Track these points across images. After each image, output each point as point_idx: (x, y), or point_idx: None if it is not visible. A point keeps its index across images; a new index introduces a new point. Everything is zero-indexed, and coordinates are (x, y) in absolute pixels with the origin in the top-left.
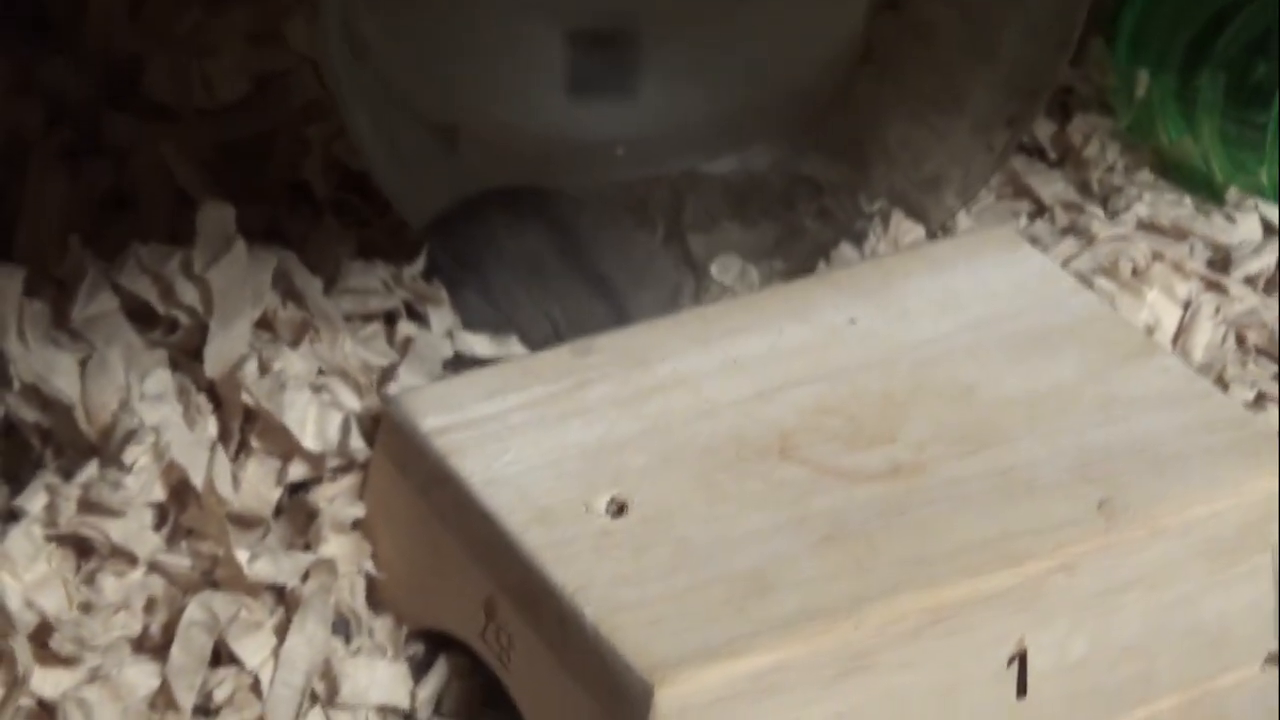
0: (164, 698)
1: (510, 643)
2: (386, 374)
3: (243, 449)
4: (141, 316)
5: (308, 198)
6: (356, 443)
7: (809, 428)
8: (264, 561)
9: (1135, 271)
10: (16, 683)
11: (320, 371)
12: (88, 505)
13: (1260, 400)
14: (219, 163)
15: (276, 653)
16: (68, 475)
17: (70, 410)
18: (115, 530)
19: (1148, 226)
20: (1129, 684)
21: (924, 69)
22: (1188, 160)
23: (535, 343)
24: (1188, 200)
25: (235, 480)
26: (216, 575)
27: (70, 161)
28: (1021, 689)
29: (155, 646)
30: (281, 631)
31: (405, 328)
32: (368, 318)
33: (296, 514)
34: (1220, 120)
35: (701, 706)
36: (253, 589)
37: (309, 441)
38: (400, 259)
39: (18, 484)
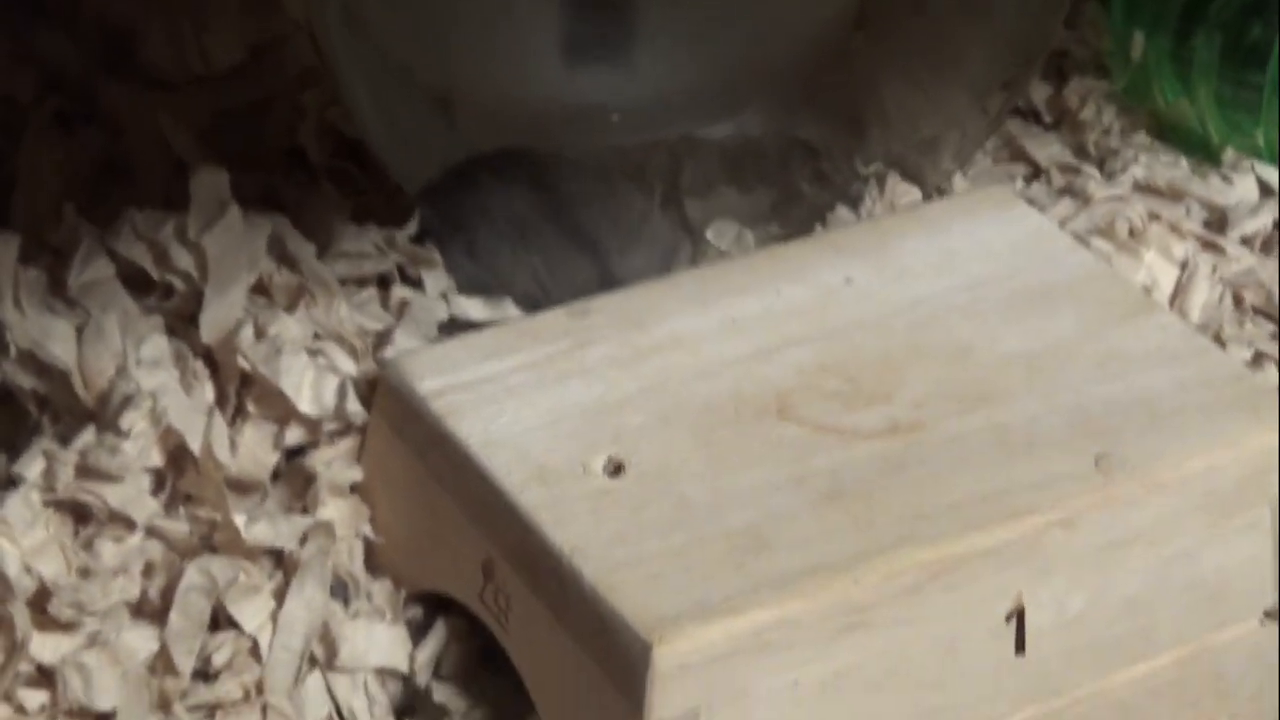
0: (163, 662)
1: (508, 604)
2: (382, 338)
3: (239, 414)
4: (137, 283)
5: (303, 165)
6: (353, 406)
7: (807, 387)
8: (262, 525)
9: (1132, 232)
10: (15, 648)
11: (316, 336)
12: (85, 471)
13: (1258, 359)
14: (215, 131)
15: (275, 616)
16: (65, 441)
17: (67, 376)
18: (113, 495)
19: (1144, 188)
20: (1127, 639)
21: (919, 32)
22: (1184, 122)
23: (524, 304)
24: (1184, 162)
25: (232, 445)
26: (214, 540)
27: (66, 130)
28: (1020, 645)
29: (154, 611)
30: (280, 595)
31: (400, 291)
32: (362, 282)
33: (294, 478)
34: (1216, 82)
35: (700, 664)
36: (251, 553)
37: (305, 406)
38: (395, 224)
39: (15, 450)
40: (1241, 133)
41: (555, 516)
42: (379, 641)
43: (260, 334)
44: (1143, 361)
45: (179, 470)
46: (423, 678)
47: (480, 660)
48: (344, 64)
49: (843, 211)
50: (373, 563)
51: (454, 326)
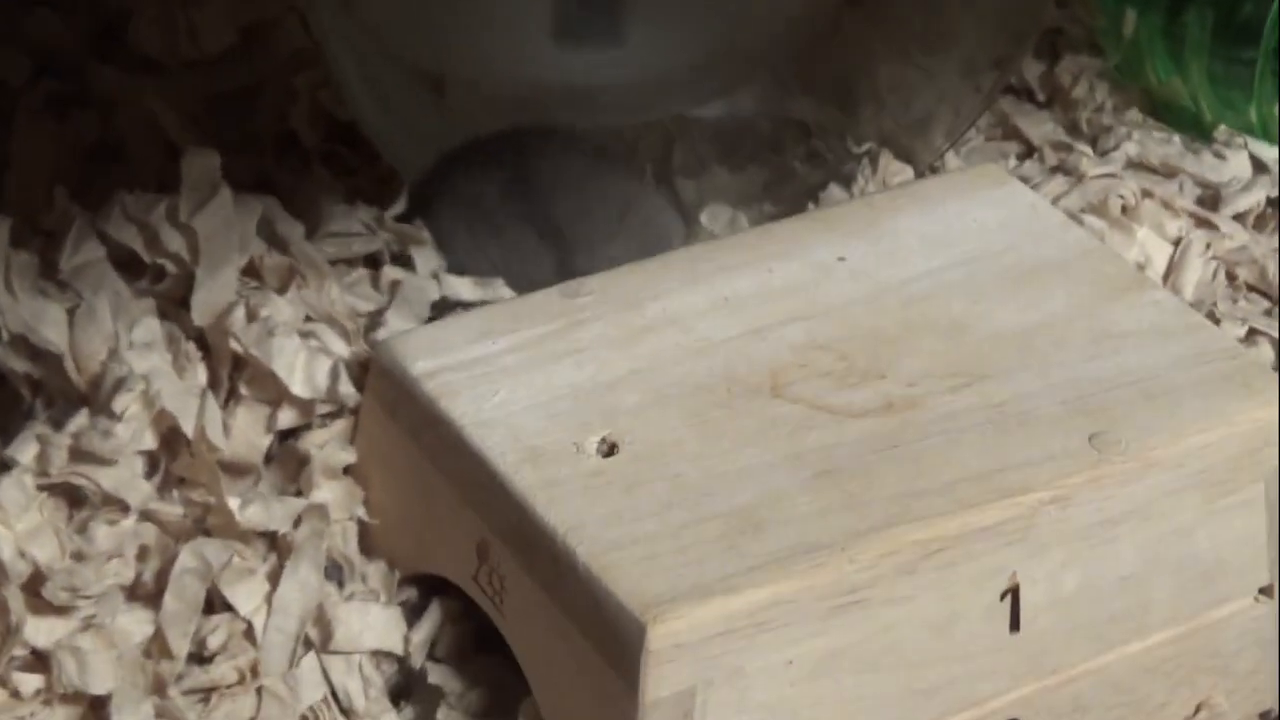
0: (158, 645)
1: (503, 585)
2: (374, 319)
3: (232, 396)
4: (129, 266)
5: (295, 148)
6: (346, 388)
7: (800, 365)
8: (256, 508)
9: (1125, 209)
10: (10, 632)
11: (308, 318)
12: (79, 454)
13: (1252, 336)
14: (206, 114)
15: (269, 599)
16: (58, 425)
17: (59, 360)
18: (106, 479)
19: (1137, 165)
20: (1123, 617)
21: (911, 10)
22: (1176, 99)
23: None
24: (1177, 139)
25: (226, 427)
26: (208, 523)
27: (57, 113)
28: (1015, 623)
29: (148, 594)
30: (274, 578)
31: (391, 271)
32: (351, 262)
33: (287, 460)
34: (1208, 59)
35: (695, 644)
36: (245, 536)
37: (298, 388)
38: (385, 205)
39: (8, 434)
40: (1234, 109)
41: (549, 497)
42: (374, 623)
43: (252, 316)
44: (1137, 338)
45: (172, 453)
46: (418, 659)
47: (475, 642)
48: (336, 46)
49: (835, 190)
50: (367, 545)
51: (446, 306)
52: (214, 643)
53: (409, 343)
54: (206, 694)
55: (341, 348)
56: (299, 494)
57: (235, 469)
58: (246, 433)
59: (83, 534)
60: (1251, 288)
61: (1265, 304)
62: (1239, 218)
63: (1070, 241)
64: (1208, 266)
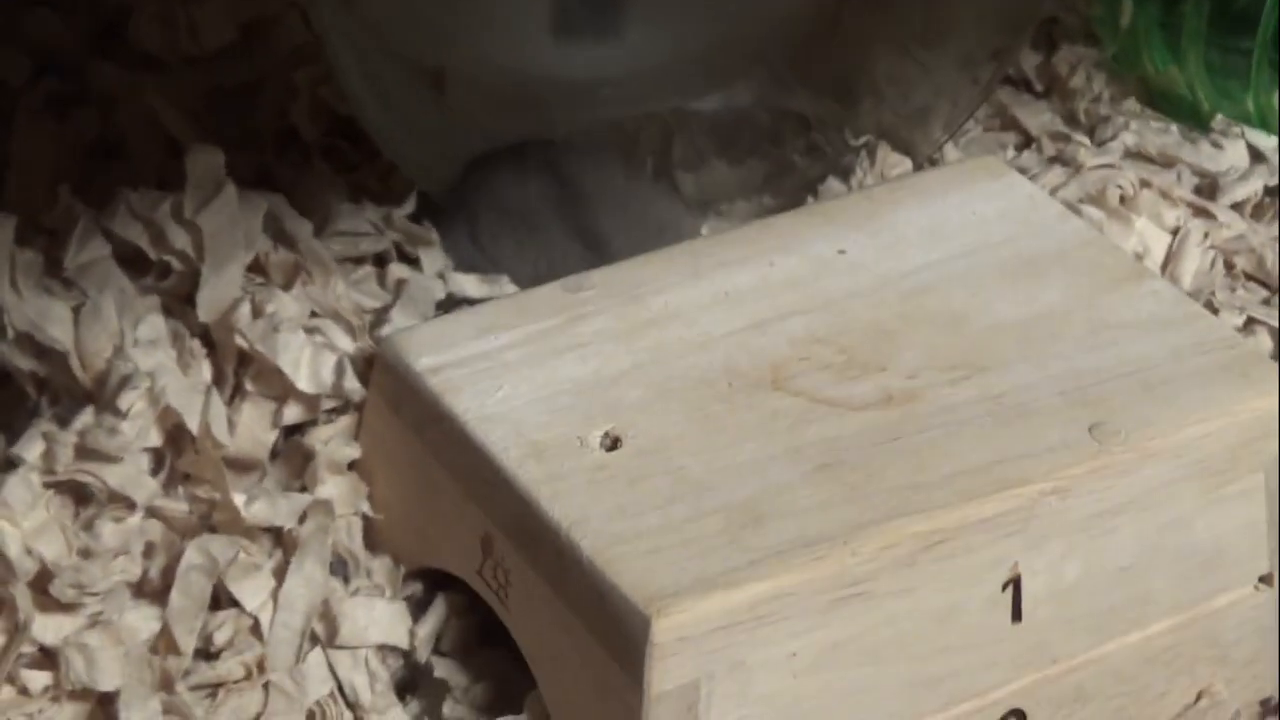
0: (165, 641)
1: (508, 579)
2: (379, 315)
3: (237, 392)
4: (133, 263)
5: (296, 144)
6: (351, 384)
7: (801, 358)
8: (261, 504)
9: (1123, 199)
10: (18, 630)
11: (313, 314)
12: (84, 452)
13: (1250, 325)
14: (207, 111)
15: (275, 594)
16: (64, 422)
17: (65, 358)
18: (112, 476)
19: (1135, 155)
20: (1123, 607)
21: (909, 2)
22: (1174, 89)
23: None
24: (1174, 128)
25: (231, 424)
26: (214, 519)
27: (58, 111)
28: (1017, 614)
29: (155, 591)
30: (280, 573)
31: (397, 269)
32: (359, 260)
33: (292, 456)
34: (1205, 48)
35: (699, 636)
36: (250, 532)
37: (303, 383)
38: (390, 202)
39: (14, 432)
40: (1231, 99)
41: (553, 491)
42: (379, 618)
43: (257, 312)
44: (1135, 328)
45: (178, 450)
46: (423, 654)
47: (480, 636)
48: (336, 42)
49: (834, 183)
50: (372, 540)
51: (451, 304)
52: (220, 638)
53: (413, 338)
54: (213, 689)
55: (346, 343)
56: (304, 490)
57: (240, 465)
58: (252, 429)
59: (89, 531)
60: (1250, 277)
61: (1263, 293)
62: (1237, 207)
63: (1069, 233)
64: (1206, 256)
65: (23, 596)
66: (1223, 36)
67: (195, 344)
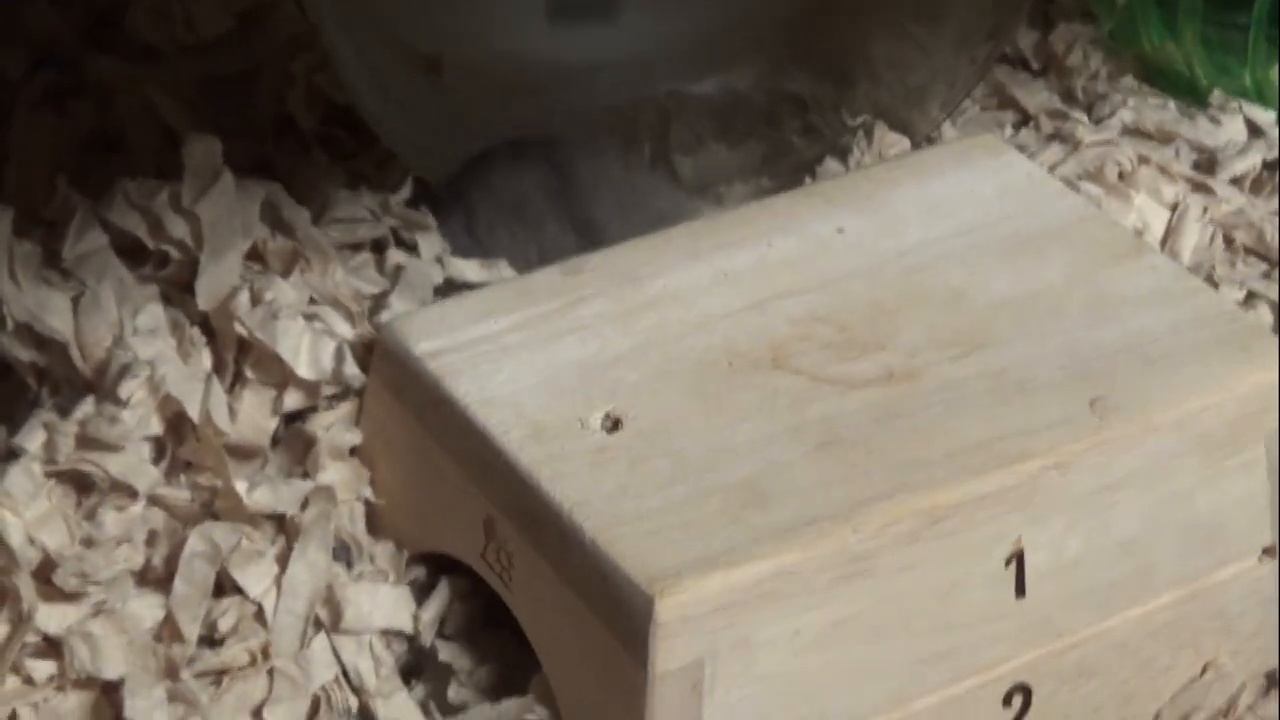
0: (169, 629)
1: (510, 561)
2: (378, 301)
3: (238, 380)
4: (132, 252)
5: (294, 132)
6: (351, 370)
7: (801, 338)
8: (263, 491)
9: (1122, 176)
10: (22, 619)
11: (312, 300)
12: (85, 441)
13: (1250, 299)
14: (204, 100)
15: (279, 581)
16: (64, 412)
17: (65, 348)
18: (114, 465)
19: (1133, 131)
20: (1126, 580)
21: None
22: (1171, 65)
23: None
24: (1172, 104)
25: (231, 411)
26: (216, 506)
27: (55, 103)
28: (1020, 589)
29: (158, 579)
30: (283, 560)
31: (395, 255)
32: (357, 246)
33: (294, 443)
34: (1202, 24)
35: (702, 616)
36: (253, 519)
37: (303, 370)
38: (387, 189)
39: (15, 423)
40: (1229, 74)
41: (554, 473)
42: (383, 603)
43: (256, 300)
44: (1135, 303)
45: (179, 438)
46: (427, 638)
47: (484, 619)
48: (332, 29)
49: (832, 164)
50: (374, 525)
51: (449, 289)
52: (224, 625)
53: (413, 323)
54: (218, 676)
55: (346, 330)
56: (306, 476)
57: (242, 452)
58: (252, 416)
59: (91, 520)
60: (1249, 251)
61: (1263, 267)
62: (1236, 181)
63: (1067, 209)
64: (1205, 231)
65: (26, 586)
66: (1219, 12)
67: (195, 332)
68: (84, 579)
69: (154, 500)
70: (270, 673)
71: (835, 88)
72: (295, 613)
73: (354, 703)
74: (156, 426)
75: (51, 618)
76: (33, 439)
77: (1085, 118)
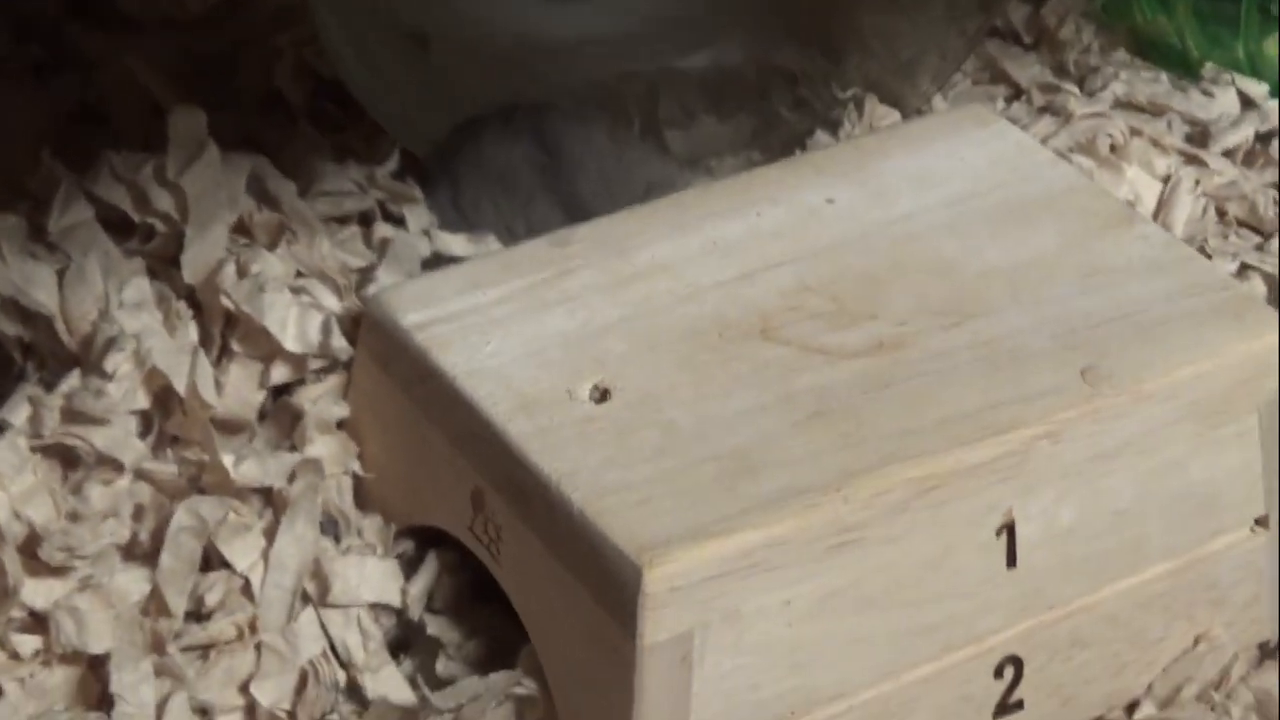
0: (156, 603)
1: (499, 534)
2: (365, 274)
3: (224, 353)
4: (117, 226)
5: (281, 106)
6: (338, 343)
7: (791, 308)
8: (250, 464)
9: (1114, 148)
10: (7, 594)
11: (299, 273)
12: (71, 415)
13: (1244, 271)
14: (190, 74)
15: (266, 555)
16: (50, 386)
17: (50, 321)
18: (100, 439)
19: (1125, 104)
20: (1119, 551)
21: None
22: (1163, 38)
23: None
24: (1164, 77)
25: (218, 385)
26: (203, 480)
27: (39, 77)
28: (1011, 559)
29: (145, 553)
30: (270, 533)
31: (382, 228)
32: (344, 219)
33: (281, 416)
34: None
35: (691, 586)
36: (240, 492)
37: (290, 343)
38: (374, 162)
39: (0, 397)
40: (1221, 46)
41: (543, 445)
42: (371, 577)
43: (243, 273)
44: (1126, 272)
45: (165, 412)
46: (416, 611)
47: (473, 592)
48: (321, 3)
49: (822, 137)
50: (362, 498)
51: (436, 262)
52: (211, 600)
53: (400, 295)
54: (205, 650)
55: (333, 302)
56: (293, 449)
57: (229, 426)
58: (239, 389)
59: (78, 494)
60: (1242, 223)
61: (1256, 239)
62: (1228, 154)
63: (1058, 178)
64: (1197, 203)
65: (11, 561)
66: None
67: (181, 305)
68: (70, 553)
69: (140, 474)
70: (258, 647)
71: (825, 61)
72: (283, 587)
73: (342, 676)
74: (143, 400)
75: (38, 592)
76: (18, 413)
77: (1077, 91)
